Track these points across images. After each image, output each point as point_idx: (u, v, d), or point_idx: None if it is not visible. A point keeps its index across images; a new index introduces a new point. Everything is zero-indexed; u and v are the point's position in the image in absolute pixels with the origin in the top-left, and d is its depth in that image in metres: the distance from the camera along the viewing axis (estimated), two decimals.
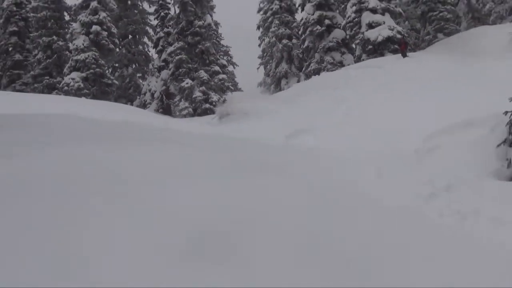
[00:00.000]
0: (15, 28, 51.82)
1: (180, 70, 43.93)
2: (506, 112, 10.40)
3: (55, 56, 51.32)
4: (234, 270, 3.60)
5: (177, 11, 45.73)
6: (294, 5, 53.58)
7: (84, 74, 45.39)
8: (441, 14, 47.17)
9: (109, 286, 3.09)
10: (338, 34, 47.71)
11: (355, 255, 4.31)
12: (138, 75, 56.18)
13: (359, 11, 44.93)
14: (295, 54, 52.55)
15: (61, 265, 3.22)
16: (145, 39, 57.37)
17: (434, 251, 5.07)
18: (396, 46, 41.78)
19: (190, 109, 42.12)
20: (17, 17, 51.87)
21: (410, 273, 4.21)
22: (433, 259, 4.76)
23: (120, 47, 53.78)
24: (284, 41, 52.24)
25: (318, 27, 47.63)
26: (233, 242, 4.03)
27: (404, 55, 36.94)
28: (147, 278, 3.29)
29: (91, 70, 45.70)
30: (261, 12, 55.26)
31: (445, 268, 4.55)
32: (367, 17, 44.27)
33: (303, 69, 50.57)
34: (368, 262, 4.23)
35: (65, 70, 47.24)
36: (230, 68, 56.38)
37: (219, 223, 4.38)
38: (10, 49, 52.11)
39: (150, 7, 56.23)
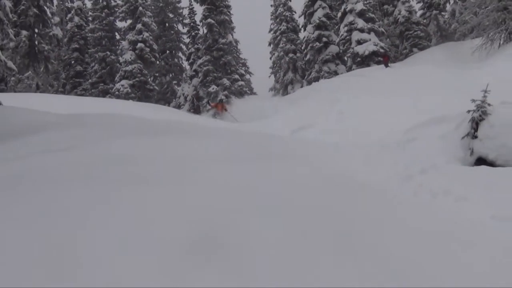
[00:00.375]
0: (77, 45, 52.00)
1: (207, 78, 43.98)
2: (469, 111, 10.36)
3: (108, 67, 51.56)
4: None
5: (205, 31, 45.70)
6: (298, 26, 53.56)
7: (131, 82, 45.58)
8: (415, 32, 47.13)
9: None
10: (333, 49, 47.62)
11: (341, 225, 4.26)
12: (174, 82, 56.42)
13: (350, 31, 44.93)
14: (299, 65, 52.54)
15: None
16: (180, 54, 57.72)
17: (406, 221, 5.03)
18: (380, 58, 41.87)
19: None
20: (78, 36, 52.01)
21: (384, 238, 4.15)
22: (404, 227, 4.71)
23: (160, 60, 53.97)
24: (290, 55, 52.29)
25: (317, 43, 47.61)
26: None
27: (386, 66, 36.86)
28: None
29: (137, 79, 45.91)
30: (272, 32, 55.50)
31: (414, 233, 4.50)
32: (356, 35, 44.32)
33: (305, 77, 50.54)
34: (351, 232, 4.17)
35: (116, 78, 47.56)
36: (247, 76, 56.33)
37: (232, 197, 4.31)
38: (72, 62, 52.33)
39: (183, 28, 56.57)
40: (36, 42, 36.18)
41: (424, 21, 49.33)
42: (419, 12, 49.95)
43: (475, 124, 10.20)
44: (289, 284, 2.99)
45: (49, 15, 37.42)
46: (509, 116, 9.96)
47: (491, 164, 9.56)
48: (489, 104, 10.26)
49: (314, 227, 3.95)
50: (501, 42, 32.10)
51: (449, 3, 48.43)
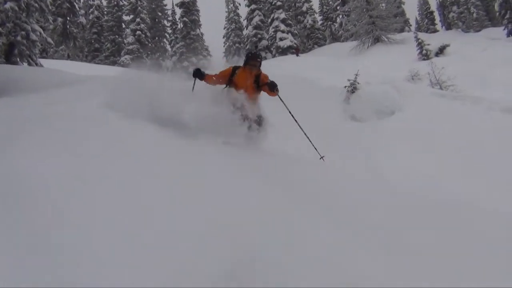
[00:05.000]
0: (95, 30, 48.90)
1: (182, 57, 43.27)
2: (345, 86, 10.53)
3: (116, 46, 49.27)
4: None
5: (182, 26, 44.78)
6: (242, 26, 52.46)
7: (131, 56, 44.16)
8: (316, 35, 47.70)
9: None
10: (264, 43, 46.86)
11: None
12: (160, 59, 53.53)
13: (275, 31, 44.72)
14: (242, 52, 51.70)
15: None
16: (164, 40, 55.21)
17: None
18: (293, 51, 41.75)
19: None
20: (96, 24, 48.79)
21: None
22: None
23: (151, 43, 51.63)
24: (237, 45, 51.50)
25: (254, 38, 46.86)
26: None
27: (297, 55, 36.88)
28: None
29: (135, 54, 44.55)
30: (225, 29, 54.25)
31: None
32: (279, 35, 44.19)
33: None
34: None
35: (121, 54, 46.07)
36: (208, 57, 54.63)
37: None
38: (92, 41, 49.14)
39: (167, 23, 54.22)
40: (68, 26, 34.77)
41: (323, 28, 49.90)
42: (320, 22, 50.50)
43: (349, 94, 10.41)
44: None
45: (77, 8, 36.26)
46: (369, 91, 10.23)
47: (357, 120, 9.79)
48: (358, 83, 10.48)
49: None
50: (369, 45, 32.96)
51: (339, 17, 48.88)
